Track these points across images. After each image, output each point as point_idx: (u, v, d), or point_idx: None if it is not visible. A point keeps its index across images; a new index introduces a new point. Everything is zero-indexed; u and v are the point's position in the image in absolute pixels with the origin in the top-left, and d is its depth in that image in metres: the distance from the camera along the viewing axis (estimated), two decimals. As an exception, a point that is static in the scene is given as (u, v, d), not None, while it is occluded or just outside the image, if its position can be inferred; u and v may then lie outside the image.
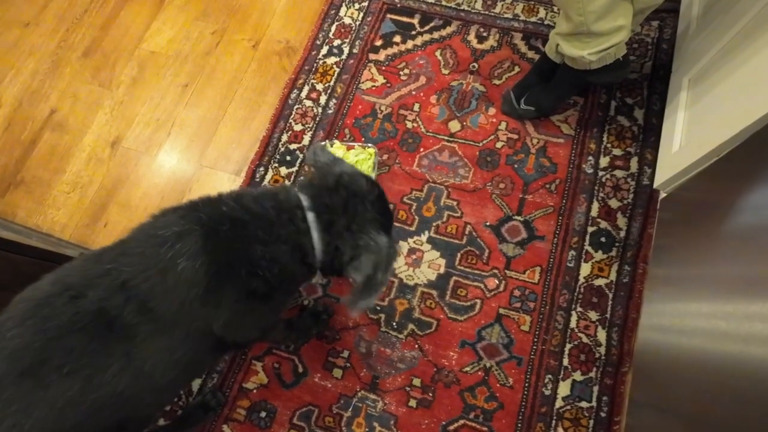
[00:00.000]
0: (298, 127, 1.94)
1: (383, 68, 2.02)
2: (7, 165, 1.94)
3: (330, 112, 1.95)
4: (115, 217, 1.81)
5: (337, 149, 1.79)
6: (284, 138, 1.92)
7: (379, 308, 1.65)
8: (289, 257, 1.03)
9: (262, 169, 1.88)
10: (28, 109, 2.04)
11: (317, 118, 1.94)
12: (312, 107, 1.96)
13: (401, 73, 2.00)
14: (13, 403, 0.83)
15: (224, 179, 1.87)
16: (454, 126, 1.90)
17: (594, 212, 1.70)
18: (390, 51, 2.05)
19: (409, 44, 2.05)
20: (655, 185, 1.52)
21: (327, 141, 1.85)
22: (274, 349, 1.62)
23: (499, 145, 1.85)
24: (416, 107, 1.94)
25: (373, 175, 1.74)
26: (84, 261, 0.97)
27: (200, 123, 1.97)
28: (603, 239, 1.67)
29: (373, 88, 1.99)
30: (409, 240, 1.74)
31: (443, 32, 2.06)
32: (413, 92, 1.97)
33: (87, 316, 0.87)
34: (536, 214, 1.74)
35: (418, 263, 1.70)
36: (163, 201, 1.83)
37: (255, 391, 1.58)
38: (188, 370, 1.12)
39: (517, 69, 1.97)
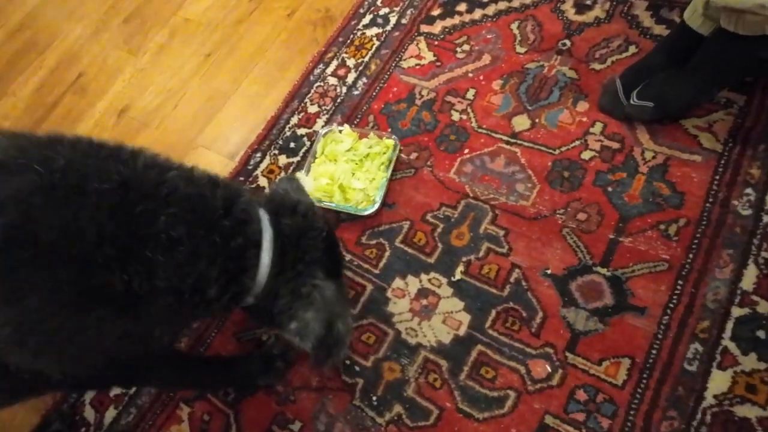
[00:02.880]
0: (312, 109, 1.52)
1: (436, 43, 1.52)
2: (24, 128, 1.84)
3: (356, 93, 1.50)
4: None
5: (347, 136, 1.31)
6: (293, 120, 1.52)
7: (357, 369, 1.11)
8: (208, 273, 0.70)
9: (259, 155, 1.49)
10: (61, 73, 1.95)
11: (338, 100, 1.50)
12: (336, 86, 1.53)
13: (459, 49, 1.48)
14: None
15: (216, 162, 1.52)
16: (521, 123, 1.30)
17: (747, 283, 0.97)
18: (449, 22, 1.54)
19: (477, 14, 1.52)
20: None
21: (336, 125, 1.39)
22: (211, 395, 1.17)
23: (586, 155, 1.21)
24: (470, 94, 1.39)
25: (386, 176, 1.23)
26: None
27: (210, 97, 1.67)
28: (761, 334, 0.93)
29: (417, 66, 1.49)
30: (422, 276, 1.18)
31: (527, -1, 1.50)
32: (470, 74, 1.42)
33: None
34: (635, 269, 1.06)
35: (428, 313, 1.13)
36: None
37: (171, 448, 1.14)
38: None
39: (632, 49, 1.32)
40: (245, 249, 0.75)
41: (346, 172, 1.25)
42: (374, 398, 1.07)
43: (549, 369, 1.00)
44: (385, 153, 1.26)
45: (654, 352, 0.97)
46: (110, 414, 1.21)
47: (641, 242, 1.08)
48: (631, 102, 1.18)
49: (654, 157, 1.16)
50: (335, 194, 1.23)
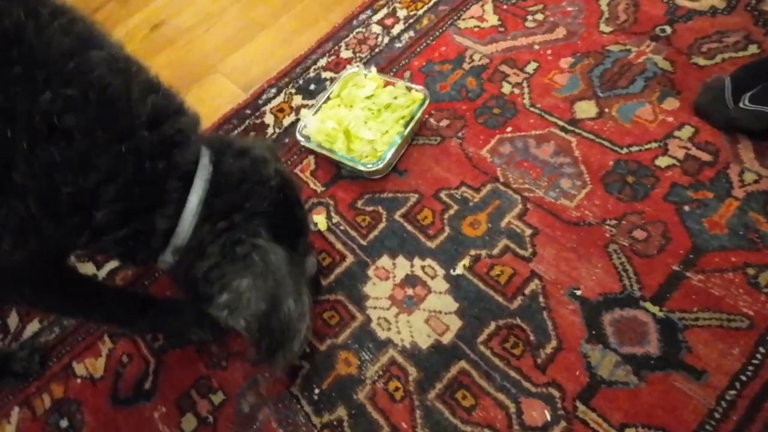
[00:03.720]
0: (345, 54, 1.32)
1: (504, 7, 1.28)
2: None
3: (398, 45, 1.29)
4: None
5: (371, 80, 1.10)
6: (322, 62, 1.33)
7: (307, 350, 0.89)
8: (100, 191, 0.53)
9: (274, 90, 1.31)
10: (113, -20, 1.89)
11: (376, 50, 1.30)
12: (378, 35, 1.33)
13: (530, 17, 1.23)
14: None
15: (227, 91, 1.37)
16: (585, 110, 1.04)
17: None
18: (526, -13, 1.30)
19: (562, -17, 1.27)
20: None
21: (362, 66, 1.18)
22: (137, 336, 0.99)
23: (663, 162, 0.93)
24: (530, 67, 1.14)
25: (403, 132, 1.00)
26: None
27: (244, 26, 1.53)
28: None
29: (476, 29, 1.26)
30: (416, 260, 0.94)
31: (627, -26, 1.23)
32: (536, 46, 1.18)
33: None
34: (700, 317, 0.77)
35: (411, 306, 0.89)
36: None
37: (79, 381, 0.97)
38: None
39: (752, 49, 1.02)
40: (166, 177, 0.58)
41: (358, 118, 1.04)
42: (317, 391, 0.84)
43: (548, 417, 0.73)
44: (408, 107, 1.03)
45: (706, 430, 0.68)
46: (33, 327, 1.05)
47: (716, 285, 0.79)
48: (741, 105, 0.89)
49: (756, 182, 0.87)
50: (338, 140, 1.02)
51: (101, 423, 0.90)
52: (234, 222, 0.62)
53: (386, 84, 1.09)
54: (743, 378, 0.71)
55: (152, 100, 0.57)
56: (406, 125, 1.01)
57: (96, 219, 0.54)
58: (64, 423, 0.92)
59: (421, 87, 1.06)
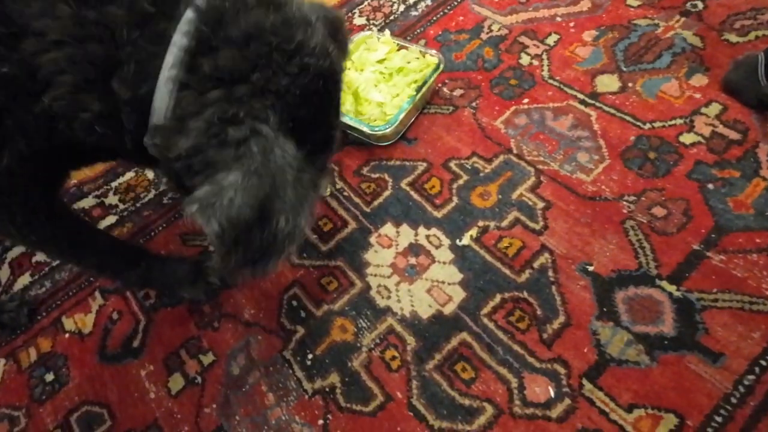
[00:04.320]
0: (359, 21, 1.28)
1: (527, -22, 1.23)
2: None
3: (414, 14, 1.24)
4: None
5: (384, 44, 1.06)
6: (334, 27, 1.28)
7: (303, 315, 0.85)
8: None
9: (283, 54, 1.27)
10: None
11: (391, 17, 1.26)
12: (394, 3, 1.29)
13: (553, -11, 1.18)
14: None
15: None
16: (607, 83, 0.99)
17: None
18: (550, -41, 1.25)
19: (588, -44, 1.22)
20: None
21: (375, 30, 1.14)
22: (129, 293, 0.96)
23: (687, 139, 0.88)
24: (551, 39, 1.09)
25: (414, 96, 0.95)
26: None
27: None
28: None
29: (497, -1, 1.21)
30: (421, 229, 0.90)
31: (658, -52, 1.17)
32: (558, 18, 1.12)
33: None
34: (719, 299, 0.72)
35: (413, 275, 0.85)
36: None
37: (67, 336, 0.94)
38: None
39: (789, 27, 0.96)
40: (113, 27, 0.44)
41: (368, 81, 0.99)
42: (310, 356, 0.81)
43: (552, 393, 0.69)
44: (422, 71, 0.99)
45: (719, 419, 0.63)
46: (24, 280, 1.03)
47: (738, 266, 0.74)
48: (775, 82, 0.84)
49: (787, 162, 0.81)
50: (346, 102, 0.98)
51: (87, 378, 0.88)
52: (234, 94, 0.45)
53: (399, 48, 1.05)
54: (763, 363, 0.66)
55: None
56: (418, 90, 0.96)
57: (47, 105, 0.44)
58: (49, 377, 0.90)
59: (435, 51, 1.02)
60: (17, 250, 1.08)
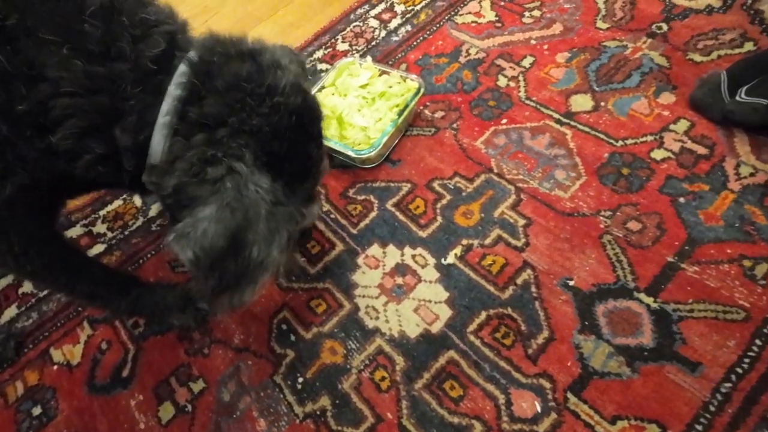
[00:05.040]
0: (342, 47, 1.32)
1: (502, 3, 1.28)
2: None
3: (395, 39, 1.29)
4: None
5: (366, 69, 1.09)
6: (318, 54, 1.32)
7: (293, 338, 0.86)
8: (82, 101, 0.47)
9: (269, 81, 1.30)
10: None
11: (373, 43, 1.30)
12: (375, 29, 1.33)
13: (528, 13, 1.23)
14: None
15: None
16: (581, 103, 1.03)
17: None
18: (523, -15, 1.30)
19: (559, -18, 1.28)
20: None
21: (358, 56, 1.18)
22: (118, 321, 0.96)
23: (658, 155, 0.92)
24: (526, 62, 1.14)
25: (397, 120, 0.99)
26: None
27: (241, 18, 1.53)
28: None
29: (473, 24, 1.26)
30: (407, 249, 0.92)
31: (624, -26, 1.24)
32: (532, 41, 1.17)
33: None
34: (695, 309, 0.75)
35: (400, 295, 0.87)
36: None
37: (55, 367, 0.93)
38: None
39: (748, 46, 1.02)
40: (119, 82, 0.48)
41: (352, 106, 1.02)
42: (300, 380, 0.81)
43: (538, 408, 0.71)
44: (403, 95, 1.02)
45: (699, 427, 0.65)
46: (10, 312, 1.02)
47: (711, 276, 0.77)
48: (738, 99, 0.88)
49: (753, 175, 0.86)
50: (331, 127, 1.01)
51: (75, 410, 0.87)
52: (215, 137, 0.50)
53: (381, 73, 1.09)
54: (739, 370, 0.68)
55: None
56: (399, 113, 0.99)
57: (54, 144, 0.48)
58: (36, 410, 0.89)
59: (415, 76, 1.05)
60: (3, 281, 1.08)
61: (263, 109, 0.52)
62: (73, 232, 1.11)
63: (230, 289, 0.54)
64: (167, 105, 0.50)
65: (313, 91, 1.10)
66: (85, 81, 0.47)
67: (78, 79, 0.47)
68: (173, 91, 0.51)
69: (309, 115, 0.58)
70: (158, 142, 0.51)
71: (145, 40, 0.50)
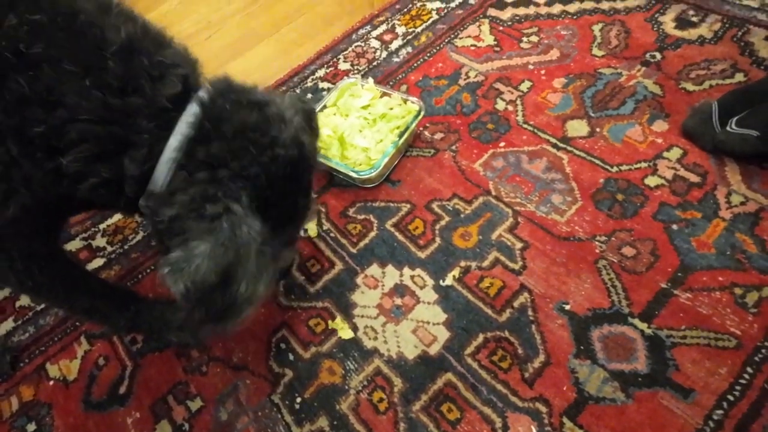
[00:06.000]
0: (343, 66, 1.34)
1: (501, 28, 1.31)
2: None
3: (396, 60, 1.31)
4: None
5: (367, 91, 1.12)
6: (320, 73, 1.35)
7: (291, 358, 0.87)
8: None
9: (271, 98, 1.32)
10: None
11: (374, 63, 1.32)
12: (376, 49, 1.36)
13: (525, 39, 1.27)
14: None
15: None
16: (577, 128, 1.06)
17: None
18: (522, 11, 1.34)
19: (556, 8, 1.32)
20: None
21: (359, 77, 1.20)
22: (116, 337, 0.96)
23: (652, 182, 0.94)
24: (524, 86, 1.16)
25: (397, 142, 1.00)
26: None
27: (244, 35, 1.55)
28: None
29: (473, 47, 1.29)
30: (405, 270, 0.93)
31: (621, 3, 1.28)
32: (530, 66, 1.20)
33: None
34: (688, 335, 0.77)
35: (399, 316, 0.88)
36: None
37: (51, 383, 0.93)
38: None
39: (738, 77, 1.06)
40: (134, 116, 0.52)
41: (353, 127, 1.04)
42: (298, 400, 0.82)
43: (534, 433, 0.72)
44: (404, 117, 1.05)
45: (692, 455, 0.66)
46: (6, 326, 1.02)
47: (704, 303, 0.79)
48: (728, 129, 0.91)
49: (743, 203, 0.88)
50: (332, 147, 1.02)
51: (71, 427, 0.86)
52: (216, 177, 0.54)
53: (382, 95, 1.11)
54: (731, 398, 0.70)
55: (127, 30, 0.51)
56: (400, 135, 1.01)
57: (64, 166, 0.50)
58: (31, 427, 0.88)
59: (416, 99, 1.08)
60: (0, 294, 1.08)
61: (263, 158, 0.56)
62: (73, 246, 1.11)
63: (215, 320, 0.57)
64: (177, 141, 0.54)
65: (316, 110, 1.12)
66: (102, 111, 0.50)
67: (96, 109, 0.50)
68: (184, 129, 0.54)
69: (303, 166, 0.62)
70: (162, 173, 0.54)
71: (162, 80, 0.53)
